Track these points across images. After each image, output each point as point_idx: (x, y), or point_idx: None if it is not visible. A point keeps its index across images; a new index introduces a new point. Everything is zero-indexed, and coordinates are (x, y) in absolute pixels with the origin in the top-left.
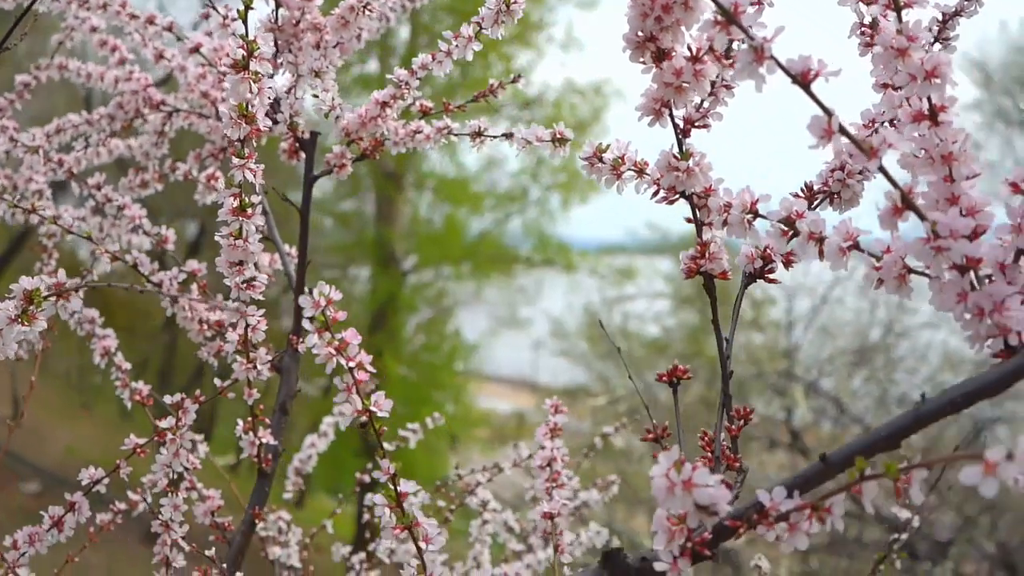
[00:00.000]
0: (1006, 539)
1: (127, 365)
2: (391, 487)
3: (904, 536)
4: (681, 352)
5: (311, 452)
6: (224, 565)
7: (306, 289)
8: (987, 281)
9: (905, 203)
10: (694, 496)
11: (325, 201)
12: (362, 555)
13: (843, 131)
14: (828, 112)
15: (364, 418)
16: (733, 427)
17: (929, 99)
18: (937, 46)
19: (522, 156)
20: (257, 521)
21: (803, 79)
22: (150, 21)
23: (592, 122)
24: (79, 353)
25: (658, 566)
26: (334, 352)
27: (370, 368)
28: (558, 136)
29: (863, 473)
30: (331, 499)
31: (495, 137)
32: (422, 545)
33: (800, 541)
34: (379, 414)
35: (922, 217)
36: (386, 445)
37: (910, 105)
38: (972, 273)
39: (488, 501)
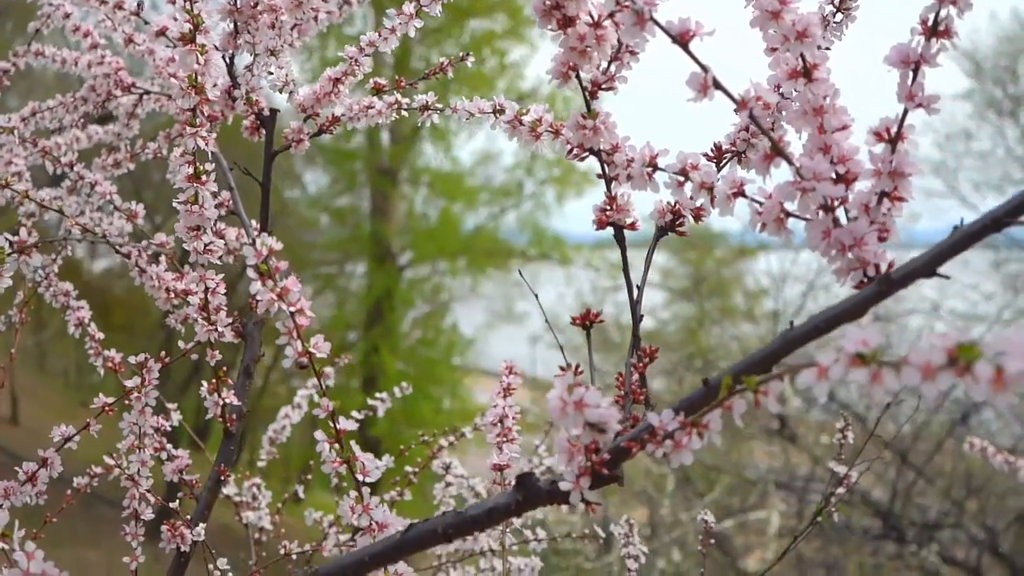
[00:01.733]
0: (992, 523)
1: (100, 335)
2: (330, 424)
3: (841, 490)
4: (675, 342)
5: (285, 423)
6: (188, 518)
7: (248, 239)
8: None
9: (775, 150)
10: (585, 415)
11: (321, 197)
12: (331, 517)
13: (717, 85)
14: (704, 68)
15: (304, 360)
16: (640, 364)
17: (803, 57)
18: (839, 16)
19: (517, 150)
20: (223, 479)
21: (682, 39)
22: (118, 6)
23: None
24: (77, 352)
25: (562, 485)
26: (276, 298)
27: (310, 313)
28: (498, 108)
29: (731, 389)
30: (331, 496)
31: (441, 110)
32: (359, 477)
33: (685, 457)
34: (318, 355)
35: (790, 163)
36: (355, 414)
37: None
38: (840, 212)
39: (450, 463)
